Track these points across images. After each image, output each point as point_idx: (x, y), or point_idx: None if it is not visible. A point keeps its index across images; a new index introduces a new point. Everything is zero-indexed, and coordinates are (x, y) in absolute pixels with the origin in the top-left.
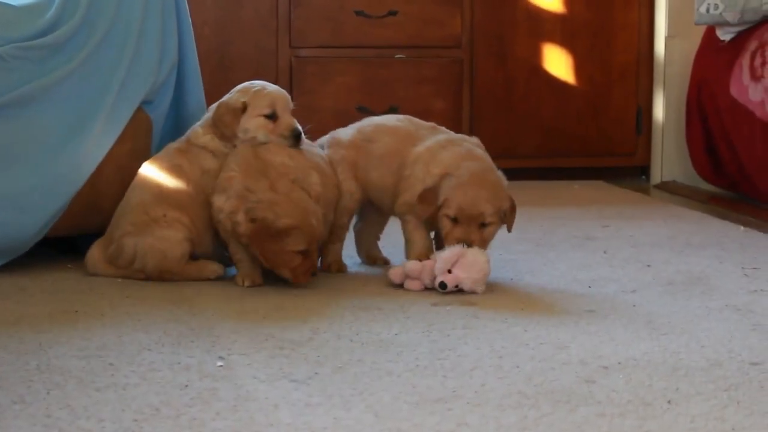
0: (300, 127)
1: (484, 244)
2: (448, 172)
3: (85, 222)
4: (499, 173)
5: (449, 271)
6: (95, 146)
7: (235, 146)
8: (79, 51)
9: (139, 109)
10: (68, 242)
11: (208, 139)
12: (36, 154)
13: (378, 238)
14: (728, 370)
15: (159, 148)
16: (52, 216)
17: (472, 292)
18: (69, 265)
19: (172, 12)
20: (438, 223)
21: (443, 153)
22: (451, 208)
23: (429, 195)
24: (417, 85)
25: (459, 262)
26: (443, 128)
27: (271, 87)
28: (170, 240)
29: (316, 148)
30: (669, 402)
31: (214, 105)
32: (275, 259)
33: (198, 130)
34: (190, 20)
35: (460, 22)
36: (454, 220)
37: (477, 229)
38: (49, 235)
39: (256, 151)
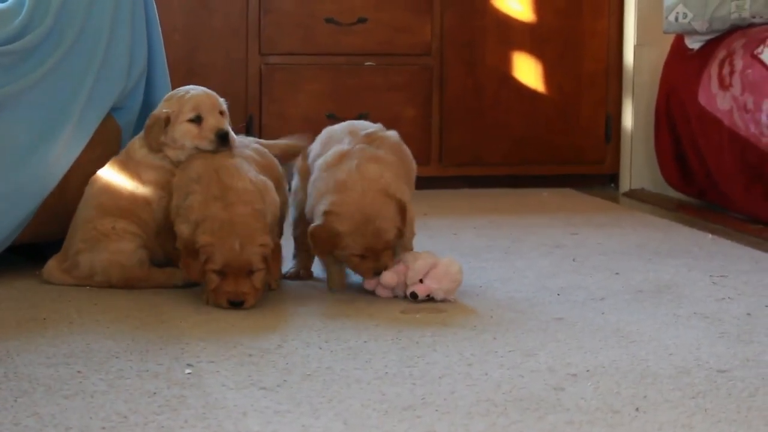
0: (228, 128)
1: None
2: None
3: (52, 229)
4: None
5: (421, 281)
6: (63, 153)
7: (167, 157)
8: (48, 58)
9: (108, 116)
10: (35, 249)
11: (144, 153)
12: (3, 161)
13: None
14: (696, 377)
15: None
16: (20, 223)
17: (444, 301)
18: (36, 272)
19: (142, 19)
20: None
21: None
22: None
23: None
24: (387, 92)
25: (431, 273)
26: (377, 132)
27: (196, 90)
28: (125, 251)
29: (249, 150)
30: (637, 409)
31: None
32: (197, 277)
33: (135, 142)
34: (159, 27)
35: (430, 30)
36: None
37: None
38: (16, 242)
39: (219, 175)
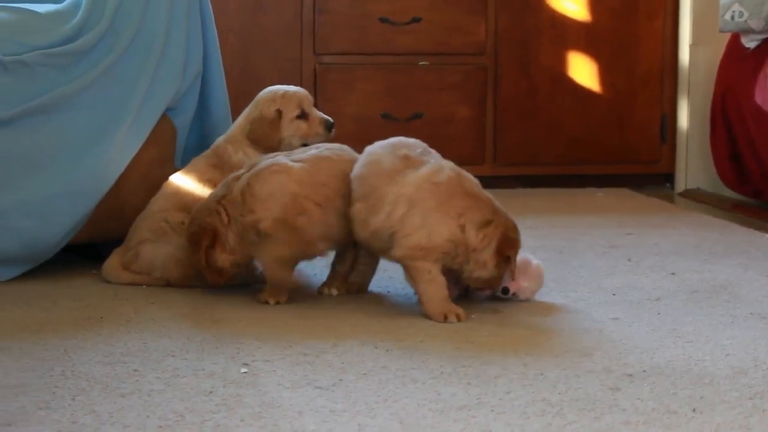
0: (330, 118)
1: None
2: None
3: (108, 228)
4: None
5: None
6: (119, 153)
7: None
8: (104, 58)
9: (164, 117)
10: (92, 249)
11: (241, 157)
12: (60, 161)
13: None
14: (753, 378)
15: (183, 156)
16: (77, 223)
17: (526, 301)
18: (93, 272)
19: (197, 20)
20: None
21: None
22: None
23: None
24: (441, 92)
25: (526, 271)
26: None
27: (291, 88)
28: (187, 248)
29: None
30: (694, 410)
31: (239, 121)
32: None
33: (228, 147)
34: (215, 28)
35: (485, 30)
36: None
37: None
38: (72, 241)
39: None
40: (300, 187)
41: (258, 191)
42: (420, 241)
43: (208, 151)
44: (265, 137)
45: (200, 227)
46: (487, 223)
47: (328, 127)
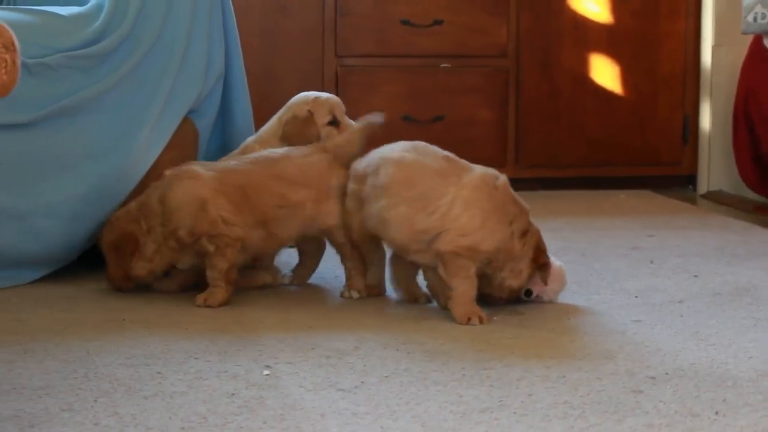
0: None
1: None
2: None
3: None
4: None
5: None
6: (141, 156)
7: None
8: (126, 61)
9: (186, 119)
10: None
11: None
12: (83, 163)
13: (417, 272)
14: None
15: (205, 158)
16: (99, 225)
17: (550, 302)
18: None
19: (219, 22)
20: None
21: None
22: None
23: None
24: (462, 94)
25: (549, 274)
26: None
27: (324, 94)
28: None
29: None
30: (716, 413)
31: (270, 123)
32: None
33: (256, 147)
34: (236, 31)
35: (506, 32)
36: None
37: None
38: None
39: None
40: (211, 194)
41: (170, 199)
42: (474, 243)
43: (236, 151)
44: (300, 135)
45: (121, 235)
46: (526, 232)
47: None
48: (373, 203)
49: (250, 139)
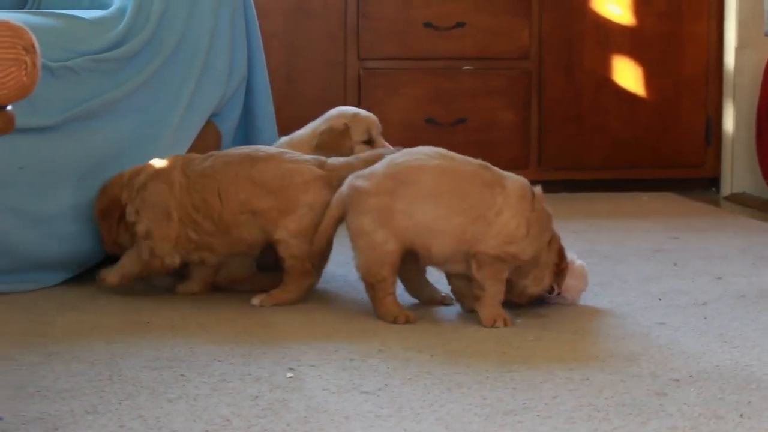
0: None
1: None
2: None
3: None
4: None
5: None
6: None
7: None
8: (148, 64)
9: (209, 122)
10: None
11: None
12: (106, 166)
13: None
14: None
15: None
16: None
17: (572, 304)
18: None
19: (242, 25)
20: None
21: None
22: None
23: None
24: (485, 96)
25: (572, 270)
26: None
27: (362, 111)
28: None
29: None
30: (741, 415)
31: (304, 131)
32: None
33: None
34: (259, 34)
35: (528, 34)
36: None
37: None
38: None
39: None
40: (176, 206)
41: (145, 197)
42: (519, 251)
43: None
44: (334, 147)
45: (110, 201)
46: (551, 240)
47: None
48: (414, 215)
49: (284, 139)
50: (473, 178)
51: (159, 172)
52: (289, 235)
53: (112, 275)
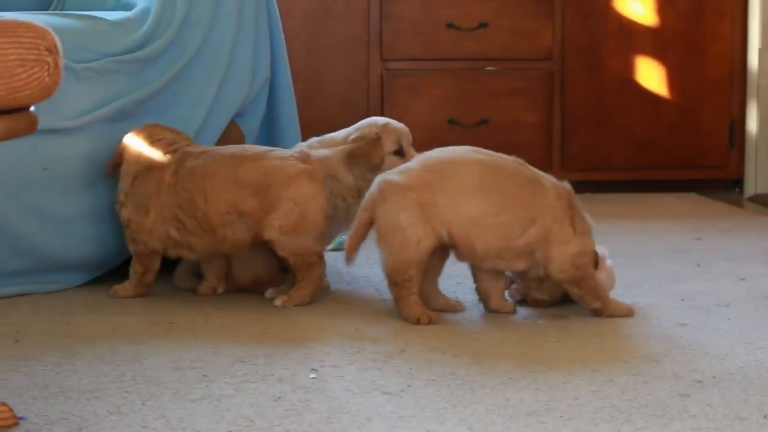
0: None
1: None
2: None
3: None
4: None
5: None
6: None
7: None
8: (172, 66)
9: (232, 123)
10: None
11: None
12: None
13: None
14: None
15: None
16: None
17: None
18: (163, 277)
19: (265, 27)
20: None
21: None
22: None
23: None
24: (508, 97)
25: (602, 265)
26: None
27: (394, 122)
28: (259, 252)
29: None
30: (765, 417)
31: (336, 136)
32: None
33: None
34: (282, 35)
35: (551, 35)
36: None
37: None
38: None
39: None
40: (157, 202)
41: (135, 186)
42: (584, 245)
43: (301, 148)
44: (367, 156)
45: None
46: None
47: None
48: (458, 208)
49: (315, 139)
50: (515, 174)
51: (152, 167)
52: (277, 233)
53: (122, 288)
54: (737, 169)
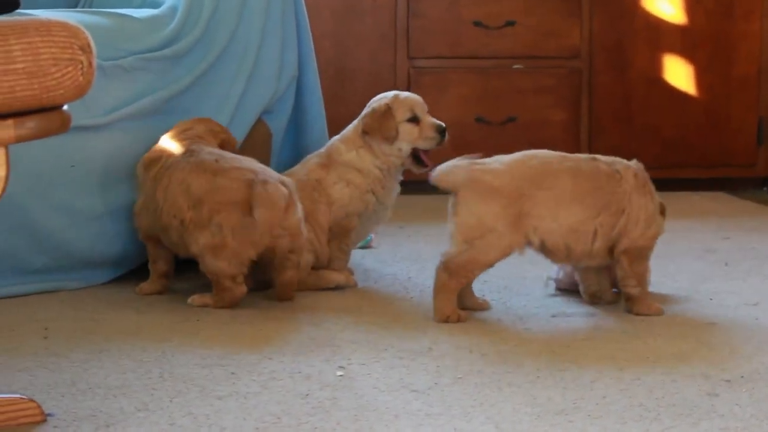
0: (443, 123)
1: None
2: None
3: None
4: None
5: None
6: None
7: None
8: (199, 63)
9: (259, 120)
10: None
11: (353, 156)
12: None
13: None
14: None
15: (278, 159)
16: None
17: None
18: (189, 275)
19: (292, 25)
20: None
21: None
22: None
23: None
24: (535, 95)
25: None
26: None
27: (404, 93)
28: None
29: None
30: None
31: (354, 123)
32: None
33: (340, 146)
34: (310, 34)
35: (579, 33)
36: None
37: None
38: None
39: None
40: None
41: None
42: (658, 229)
43: (321, 150)
44: (380, 128)
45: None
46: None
47: (441, 131)
48: (559, 218)
49: (335, 138)
50: (598, 173)
51: (156, 159)
52: (199, 249)
53: (146, 284)
54: (765, 167)
